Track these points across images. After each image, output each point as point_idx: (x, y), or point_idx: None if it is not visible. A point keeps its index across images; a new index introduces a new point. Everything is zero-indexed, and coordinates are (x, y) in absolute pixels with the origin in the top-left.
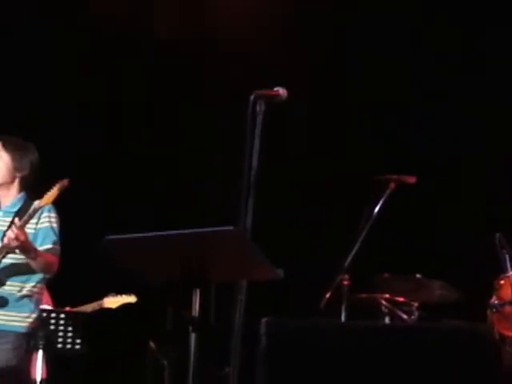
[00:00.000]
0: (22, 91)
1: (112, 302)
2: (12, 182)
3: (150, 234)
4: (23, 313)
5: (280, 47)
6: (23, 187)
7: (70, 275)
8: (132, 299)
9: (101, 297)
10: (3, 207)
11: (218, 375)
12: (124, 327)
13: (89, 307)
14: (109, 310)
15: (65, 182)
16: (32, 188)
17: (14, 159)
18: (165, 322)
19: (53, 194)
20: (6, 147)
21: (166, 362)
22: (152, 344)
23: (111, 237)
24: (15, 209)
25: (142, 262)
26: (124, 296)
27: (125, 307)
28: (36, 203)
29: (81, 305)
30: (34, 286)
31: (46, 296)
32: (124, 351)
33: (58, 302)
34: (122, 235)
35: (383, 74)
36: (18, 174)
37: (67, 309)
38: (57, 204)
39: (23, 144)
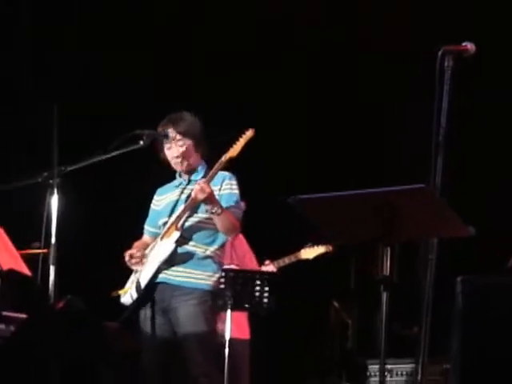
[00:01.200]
0: None
1: (309, 252)
2: (200, 157)
3: (340, 193)
4: (208, 272)
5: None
6: (201, 156)
7: (268, 228)
8: (328, 249)
9: (298, 248)
10: (184, 177)
11: (405, 334)
12: (308, 286)
13: (286, 259)
14: (306, 260)
15: (250, 132)
16: (207, 154)
17: (192, 141)
18: (348, 281)
19: (239, 145)
20: (178, 129)
21: (349, 321)
22: (336, 303)
23: (301, 196)
24: (198, 177)
25: (331, 222)
26: (320, 246)
27: (310, 266)
28: (221, 173)
29: (279, 257)
30: (217, 249)
31: (250, 256)
32: (308, 310)
33: (259, 256)
34: (311, 194)
35: None
36: (201, 150)
37: (267, 263)
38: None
39: (186, 117)
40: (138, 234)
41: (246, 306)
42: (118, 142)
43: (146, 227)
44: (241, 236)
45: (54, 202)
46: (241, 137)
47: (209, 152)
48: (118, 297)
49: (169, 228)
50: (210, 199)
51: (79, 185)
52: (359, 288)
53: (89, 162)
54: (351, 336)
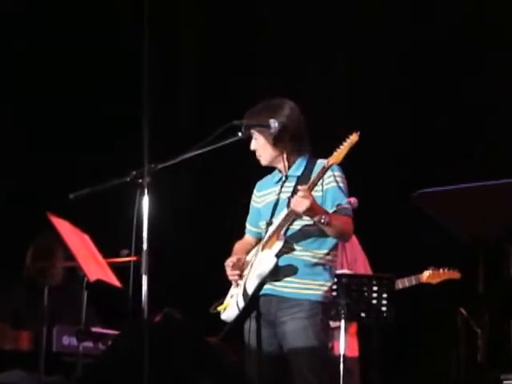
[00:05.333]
0: None
1: (433, 276)
2: (280, 152)
3: (466, 185)
4: (317, 281)
5: None
6: (297, 150)
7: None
8: (456, 275)
9: (420, 270)
10: (283, 172)
11: None
12: (433, 292)
13: (407, 281)
14: (428, 285)
15: (354, 137)
16: (304, 146)
17: (264, 135)
18: (476, 286)
19: (342, 151)
20: (251, 126)
21: (479, 330)
22: (463, 310)
23: (423, 190)
24: (298, 173)
25: (458, 217)
26: (447, 271)
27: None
28: (324, 162)
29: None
30: (327, 254)
31: (363, 260)
32: (433, 319)
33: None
34: (434, 188)
35: None
36: (281, 144)
37: None
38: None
39: (267, 110)
40: (235, 238)
41: (362, 315)
42: (214, 135)
43: (248, 226)
44: (353, 237)
45: (145, 203)
46: (345, 141)
47: (310, 148)
48: (217, 313)
49: (270, 238)
50: (313, 210)
51: (171, 184)
52: (489, 293)
53: (182, 158)
54: (481, 346)
